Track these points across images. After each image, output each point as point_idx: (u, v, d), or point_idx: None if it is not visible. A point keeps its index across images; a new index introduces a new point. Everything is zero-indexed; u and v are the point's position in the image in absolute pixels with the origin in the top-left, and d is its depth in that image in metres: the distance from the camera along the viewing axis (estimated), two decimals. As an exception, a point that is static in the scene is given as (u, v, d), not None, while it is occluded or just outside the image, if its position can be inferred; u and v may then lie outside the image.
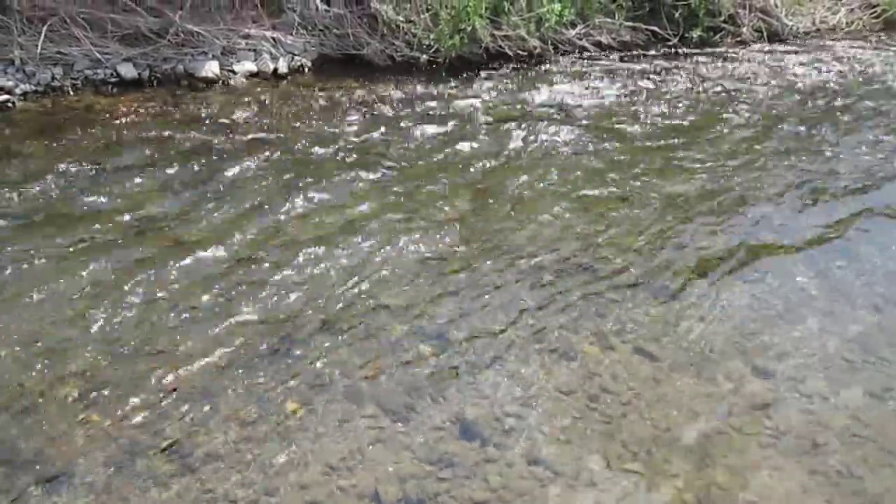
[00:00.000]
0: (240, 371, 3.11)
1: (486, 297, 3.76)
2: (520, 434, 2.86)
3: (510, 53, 8.49)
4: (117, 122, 5.97)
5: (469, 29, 8.11)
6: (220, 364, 3.14)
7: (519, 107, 7.03)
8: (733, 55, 9.94)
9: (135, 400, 2.92)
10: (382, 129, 6.18)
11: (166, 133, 5.73)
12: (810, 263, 4.27)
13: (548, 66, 8.66)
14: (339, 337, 3.37)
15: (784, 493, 2.66)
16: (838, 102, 7.88)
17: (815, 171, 5.78)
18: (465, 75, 7.99)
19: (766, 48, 10.46)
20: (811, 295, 3.94)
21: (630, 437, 2.87)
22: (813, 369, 3.34)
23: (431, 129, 6.20)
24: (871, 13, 12.59)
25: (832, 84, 8.64)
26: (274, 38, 7.83)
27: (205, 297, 3.58)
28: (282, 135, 5.88)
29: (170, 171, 5.01)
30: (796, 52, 10.26)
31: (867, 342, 3.57)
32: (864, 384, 3.26)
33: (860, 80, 8.91)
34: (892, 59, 10.12)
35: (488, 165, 5.47)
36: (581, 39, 9.20)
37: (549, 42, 8.87)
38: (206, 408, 2.91)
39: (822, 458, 2.83)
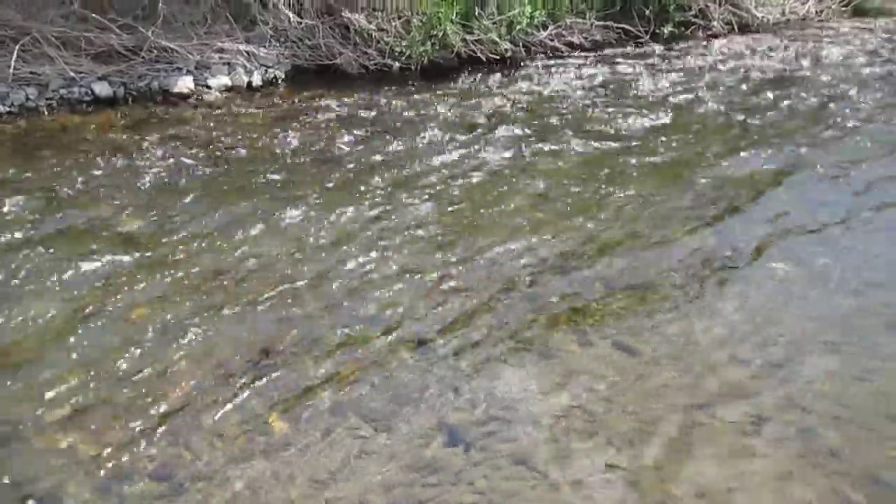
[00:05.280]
0: (222, 388, 3.10)
1: (466, 301, 3.77)
2: (504, 436, 2.87)
3: (482, 58, 8.53)
4: (93, 140, 5.95)
5: (440, 35, 8.16)
6: (202, 382, 3.13)
7: (491, 110, 7.05)
8: (704, 48, 10.03)
9: (120, 421, 2.90)
10: (357, 138, 6.19)
11: (142, 150, 5.72)
12: (788, 250, 4.31)
13: (520, 68, 8.70)
14: (320, 348, 3.37)
15: (768, 479, 2.68)
16: (807, 89, 7.96)
17: (788, 159, 5.85)
18: (437, 81, 8.01)
19: (737, 39, 10.57)
20: (790, 281, 3.98)
21: (614, 433, 2.88)
22: (794, 355, 3.37)
23: (405, 136, 6.22)
24: (840, 1, 12.76)
25: (800, 72, 8.74)
26: (247, 52, 7.84)
27: (185, 314, 3.57)
28: (257, 147, 5.88)
29: (147, 187, 5.00)
30: (765, 42, 10.36)
31: (847, 326, 3.61)
32: (845, 367, 3.30)
33: (826, 65, 9.01)
34: (857, 45, 10.26)
35: (463, 169, 5.50)
36: (553, 40, 9.26)
37: (521, 44, 8.92)
38: (191, 427, 2.89)
39: (806, 442, 2.85)
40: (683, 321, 3.61)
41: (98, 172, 5.23)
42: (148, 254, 4.13)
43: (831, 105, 7.47)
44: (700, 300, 3.80)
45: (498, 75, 8.34)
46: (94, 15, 7.15)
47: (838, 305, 3.77)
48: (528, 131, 6.39)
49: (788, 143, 6.21)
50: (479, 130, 6.41)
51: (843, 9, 12.74)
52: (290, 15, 8.03)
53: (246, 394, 3.07)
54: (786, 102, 7.55)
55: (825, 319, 3.65)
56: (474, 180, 5.28)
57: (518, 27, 8.77)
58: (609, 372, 3.23)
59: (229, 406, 3.01)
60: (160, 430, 2.87)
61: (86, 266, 3.97)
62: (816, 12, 12.43)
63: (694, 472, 2.71)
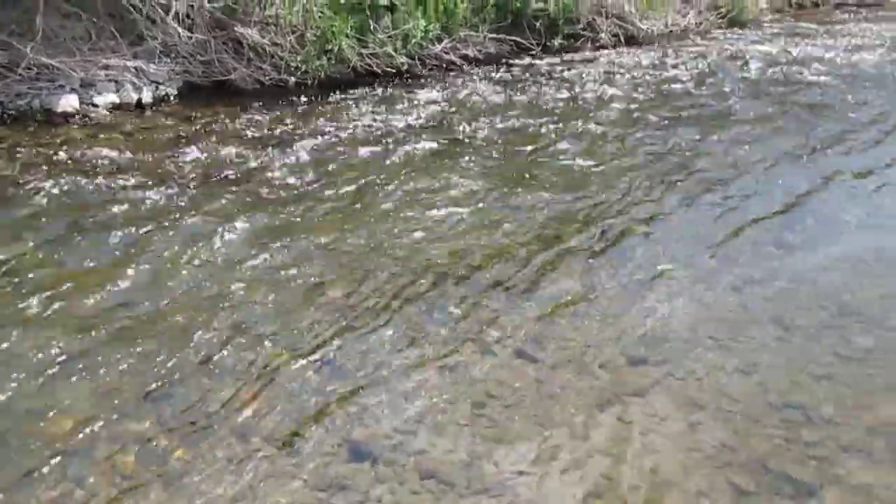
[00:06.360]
0: (115, 418, 2.98)
1: (364, 316, 3.76)
2: (410, 450, 2.88)
3: (378, 71, 8.56)
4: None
5: (336, 49, 8.14)
6: (94, 414, 3.00)
7: (385, 123, 7.09)
8: (592, 58, 10.41)
9: (8, 461, 2.75)
10: (251, 154, 6.09)
11: (23, 174, 5.44)
12: (673, 251, 4.51)
13: (416, 81, 8.79)
14: (218, 372, 3.29)
15: (665, 473, 2.79)
16: (689, 94, 8.37)
17: (673, 161, 6.13)
18: (334, 95, 7.99)
19: (624, 50, 11.03)
20: (677, 281, 4.16)
21: (518, 439, 2.94)
22: (683, 352, 3.52)
23: (300, 151, 6.18)
24: (717, 14, 13.62)
25: (681, 78, 9.19)
26: (136, 68, 7.58)
27: (74, 345, 3.41)
28: (147, 167, 5.70)
29: (24, 216, 4.75)
30: (649, 53, 10.85)
31: (732, 322, 3.78)
32: (731, 362, 3.45)
33: (706, 73, 9.52)
34: (734, 51, 10.92)
35: (358, 182, 5.51)
36: (448, 53, 9.40)
37: (417, 58, 9.01)
38: (85, 463, 2.77)
39: (698, 436, 2.98)
40: (579, 325, 3.72)
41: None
42: (32, 285, 3.93)
43: (713, 108, 7.87)
44: (593, 305, 3.92)
45: (391, 89, 8.39)
46: (-36, 31, 6.78)
47: (722, 303, 3.97)
48: (425, 142, 6.45)
49: (675, 148, 6.50)
50: (375, 141, 6.43)
51: (721, 20, 13.57)
52: (180, 30, 7.81)
53: (141, 423, 2.97)
54: (673, 103, 7.91)
55: (711, 317, 3.82)
56: (374, 192, 5.29)
57: (413, 40, 8.85)
58: (511, 380, 3.29)
59: (124, 436, 2.90)
60: (49, 466, 2.73)
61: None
62: (696, 24, 13.16)
63: (597, 472, 2.79)
